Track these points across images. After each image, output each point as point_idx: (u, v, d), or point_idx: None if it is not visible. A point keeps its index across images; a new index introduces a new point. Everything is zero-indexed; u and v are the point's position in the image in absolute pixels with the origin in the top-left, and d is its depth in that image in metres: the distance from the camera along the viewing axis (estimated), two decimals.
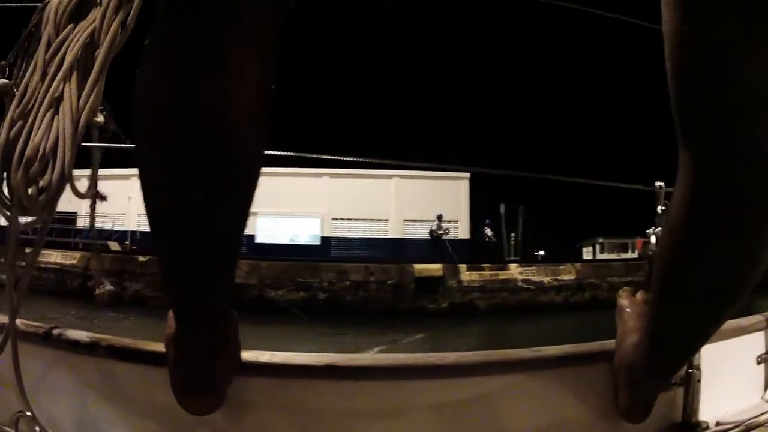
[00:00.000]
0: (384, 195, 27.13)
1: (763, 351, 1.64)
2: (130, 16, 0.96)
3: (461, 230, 27.39)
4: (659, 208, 1.45)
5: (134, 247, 23.77)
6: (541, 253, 37.30)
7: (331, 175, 26.46)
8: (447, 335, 15.57)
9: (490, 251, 26.01)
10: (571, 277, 20.99)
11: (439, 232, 25.29)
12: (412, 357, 1.23)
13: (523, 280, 20.58)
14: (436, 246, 25.13)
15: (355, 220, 26.84)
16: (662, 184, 1.48)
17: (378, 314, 18.01)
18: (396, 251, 26.04)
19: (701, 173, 0.87)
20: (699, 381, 1.33)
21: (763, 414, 1.41)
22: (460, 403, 1.22)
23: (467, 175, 27.30)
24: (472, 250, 25.84)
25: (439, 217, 25.64)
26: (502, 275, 20.58)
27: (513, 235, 26.49)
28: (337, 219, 26.85)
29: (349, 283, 19.67)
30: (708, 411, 1.39)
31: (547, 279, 20.76)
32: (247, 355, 1.13)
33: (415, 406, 1.20)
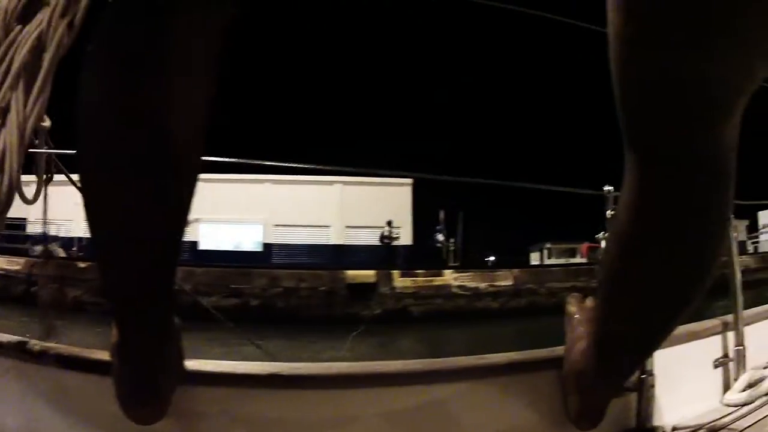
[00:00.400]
0: (327, 201, 26.78)
1: (720, 355, 1.66)
2: (78, 17, 0.87)
3: (404, 236, 26.97)
4: (608, 213, 1.48)
5: (80, 254, 23.22)
6: (492, 258, 37.15)
7: (274, 182, 26.06)
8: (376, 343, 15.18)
9: (441, 257, 25.93)
10: (508, 282, 20.68)
11: (391, 237, 25.28)
12: (355, 365, 1.25)
13: (458, 287, 20.24)
14: (387, 252, 24.97)
15: (298, 226, 26.37)
16: (611, 188, 1.51)
17: (309, 321, 17.62)
18: (338, 258, 26.01)
19: (647, 178, 0.87)
20: (653, 386, 1.35)
21: (721, 418, 1.44)
22: (405, 411, 1.23)
23: (410, 181, 27.20)
24: (422, 256, 25.81)
25: (389, 223, 25.61)
26: (437, 281, 20.23)
27: (452, 240, 26.15)
28: (279, 225, 26.36)
29: (281, 289, 19.24)
30: (665, 415, 1.41)
31: (483, 285, 20.44)
32: (191, 364, 1.13)
33: (359, 414, 1.20)
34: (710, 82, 0.75)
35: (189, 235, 23.13)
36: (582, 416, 1.22)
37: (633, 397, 1.37)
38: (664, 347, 1.37)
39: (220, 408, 1.15)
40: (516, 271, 21.22)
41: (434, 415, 1.24)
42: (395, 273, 20.15)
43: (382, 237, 26.21)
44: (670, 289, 0.95)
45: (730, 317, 1.71)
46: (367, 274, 20.04)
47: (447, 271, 20.68)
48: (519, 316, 19.20)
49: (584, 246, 35.38)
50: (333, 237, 26.91)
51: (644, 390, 1.35)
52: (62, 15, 0.86)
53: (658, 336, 1.11)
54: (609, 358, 1.12)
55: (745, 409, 1.47)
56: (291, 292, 19.25)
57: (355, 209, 26.78)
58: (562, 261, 33.20)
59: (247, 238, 25.99)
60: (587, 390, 1.18)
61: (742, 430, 1.36)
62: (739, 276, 1.78)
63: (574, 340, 1.24)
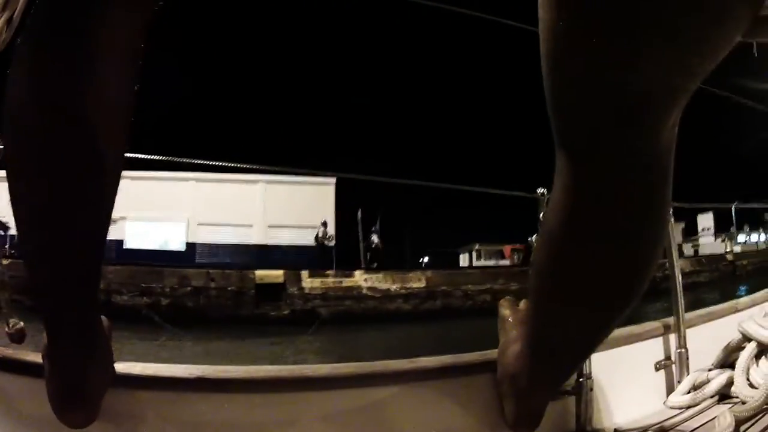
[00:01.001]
0: (250, 200, 26.52)
1: (661, 357, 1.67)
2: (16, 13, 0.90)
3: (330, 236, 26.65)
4: (542, 215, 1.42)
5: (13, 251, 22.71)
6: (426, 259, 37.15)
7: (198, 180, 25.71)
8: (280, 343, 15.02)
9: (377, 257, 25.79)
10: (421, 285, 20.65)
11: (326, 237, 25.37)
12: (284, 369, 1.30)
13: (369, 288, 20.15)
14: (321, 252, 24.96)
15: (221, 225, 26.06)
16: (544, 190, 1.47)
17: (218, 321, 17.40)
18: (261, 257, 25.58)
19: (579, 178, 0.83)
20: (591, 389, 1.36)
21: (664, 420, 1.42)
22: (335, 415, 1.22)
23: (333, 180, 27.06)
24: (357, 257, 25.58)
25: (324, 224, 25.65)
26: (346, 282, 20.14)
27: (372, 240, 26.07)
28: (202, 224, 26.03)
29: (191, 288, 19.01)
30: (607, 418, 1.42)
31: (394, 287, 20.36)
32: (119, 367, 1.11)
33: (291, 418, 1.19)
34: (644, 80, 0.72)
35: (115, 234, 23.13)
36: (519, 420, 1.20)
37: (572, 400, 1.37)
38: (604, 350, 1.43)
39: (149, 411, 1.14)
40: (429, 272, 21.21)
41: (368, 419, 1.23)
42: (304, 273, 20.02)
43: (317, 237, 26.24)
44: (603, 291, 0.92)
45: (671, 319, 1.71)
46: (276, 275, 19.90)
47: (357, 272, 20.57)
48: (432, 318, 19.22)
49: (507, 248, 35.56)
50: (256, 236, 26.52)
51: (583, 393, 1.35)
52: (2, 11, 0.89)
53: (593, 339, 1.07)
54: (543, 362, 1.09)
55: (689, 411, 1.46)
56: (200, 292, 19.04)
57: (278, 208, 26.51)
58: (491, 263, 33.25)
59: (172, 237, 25.57)
60: (522, 393, 1.16)
61: None
62: (679, 278, 1.77)
63: (507, 344, 1.23)
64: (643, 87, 0.72)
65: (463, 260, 37.45)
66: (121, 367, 1.12)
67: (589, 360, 1.35)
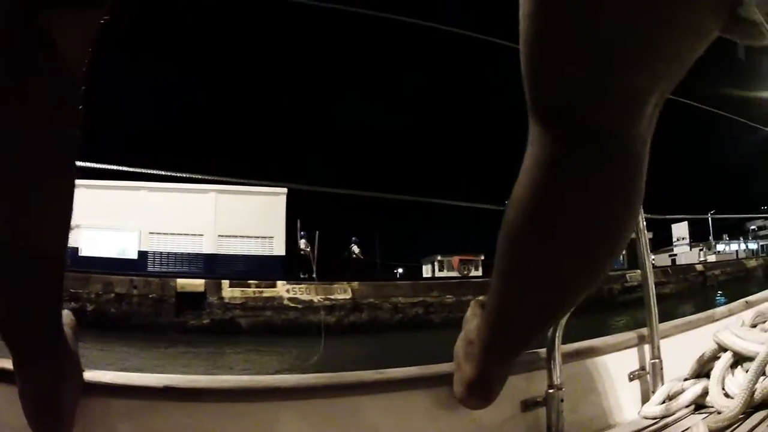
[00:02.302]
0: (202, 210, 26.52)
1: (636, 367, 1.69)
2: None
3: (276, 246, 26.85)
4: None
5: None
6: (400, 270, 36.79)
7: (150, 189, 25.78)
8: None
9: (358, 268, 26.06)
10: (346, 296, 20.30)
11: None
12: (251, 379, 1.28)
13: (290, 299, 19.88)
14: (302, 263, 25.06)
15: (172, 234, 26.11)
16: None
17: (140, 328, 17.49)
18: (211, 266, 25.80)
19: (550, 148, 0.82)
20: (562, 400, 1.37)
21: (639, 430, 1.43)
22: (304, 425, 1.23)
23: (284, 190, 26.92)
24: (337, 268, 25.88)
25: (304, 235, 25.88)
26: (267, 293, 19.88)
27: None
28: (154, 233, 26.12)
29: (114, 295, 18.97)
30: (578, 428, 1.43)
31: (317, 298, 20.03)
32: (89, 375, 1.12)
33: (258, 428, 1.21)
34: (617, 79, 0.74)
35: (71, 242, 23.23)
36: (471, 390, 1.21)
37: (543, 411, 1.38)
38: (578, 360, 1.50)
39: (120, 420, 1.14)
40: (356, 284, 20.84)
41: (336, 429, 1.25)
42: (225, 283, 19.86)
43: (348, 253, 26.90)
44: (563, 273, 0.92)
45: (645, 330, 1.73)
46: (196, 284, 19.81)
47: (280, 283, 20.31)
48: (357, 331, 18.92)
49: (455, 259, 34.95)
50: (206, 246, 26.50)
51: (552, 404, 1.36)
52: None
53: (548, 317, 1.12)
54: (498, 333, 1.10)
55: (663, 421, 1.46)
56: (123, 299, 19.00)
57: (229, 218, 26.51)
58: (453, 273, 32.67)
59: (125, 246, 25.69)
60: (476, 361, 1.17)
61: None
62: (653, 289, 1.79)
63: (471, 317, 1.27)
64: (616, 86, 0.74)
65: (426, 271, 36.95)
66: (91, 375, 1.12)
67: (558, 370, 1.36)
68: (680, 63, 0.75)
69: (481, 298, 1.33)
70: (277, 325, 19.26)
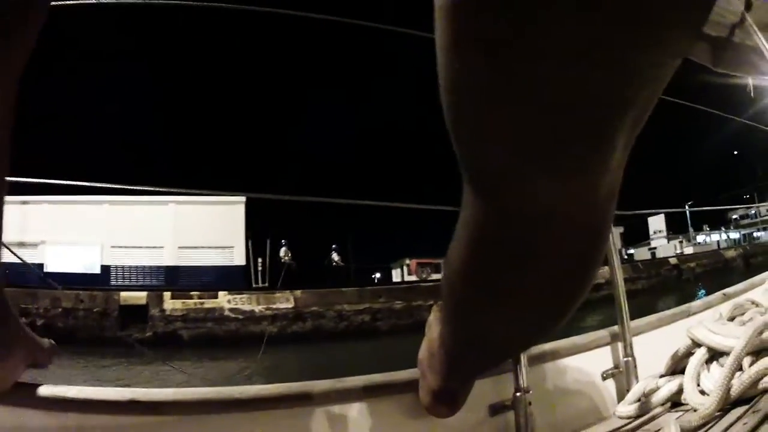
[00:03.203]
0: (162, 221, 26.70)
1: (609, 366, 1.67)
2: None
3: (237, 256, 26.90)
4: None
5: None
6: (378, 275, 36.66)
7: (111, 203, 26.04)
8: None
9: (338, 276, 26.22)
10: (288, 305, 20.35)
11: (337, 261, 26.42)
12: (213, 391, 1.23)
13: (231, 309, 19.98)
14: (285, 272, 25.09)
15: (134, 247, 26.30)
16: None
17: (86, 343, 17.31)
18: (172, 278, 25.93)
19: (486, 222, 0.71)
20: (530, 403, 1.35)
21: (613, 430, 1.41)
22: None
23: (243, 199, 26.96)
24: (318, 276, 26.20)
25: (334, 249, 26.88)
26: (208, 304, 20.00)
27: (260, 260, 26.02)
28: (116, 247, 26.33)
29: (61, 310, 19.17)
30: (554, 429, 1.43)
31: (258, 308, 20.12)
32: (53, 390, 1.13)
33: None
34: (569, 155, 0.61)
35: (35, 258, 23.67)
36: (436, 399, 1.20)
37: (511, 414, 1.37)
38: (549, 361, 1.47)
39: None
40: (299, 292, 20.88)
41: None
42: (166, 295, 19.98)
43: (329, 261, 27.02)
44: (513, 330, 0.88)
45: (617, 328, 1.71)
46: (138, 296, 19.94)
47: (222, 293, 20.40)
48: (300, 341, 18.93)
49: (413, 263, 34.68)
50: (167, 257, 26.68)
51: (520, 407, 1.35)
52: None
53: (513, 352, 1.16)
54: (457, 358, 1.08)
55: (638, 420, 1.44)
56: (69, 313, 19.19)
57: (189, 229, 26.64)
58: (423, 276, 32.52)
59: (87, 260, 25.87)
60: (440, 371, 1.14)
61: None
62: (622, 286, 1.77)
63: (429, 342, 1.20)
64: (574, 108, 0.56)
65: (396, 275, 36.74)
66: (55, 390, 1.14)
67: (524, 374, 1.35)
68: (643, 108, 0.60)
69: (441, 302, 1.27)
70: (219, 337, 19.34)
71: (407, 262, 36.64)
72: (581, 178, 0.63)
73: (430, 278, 31.34)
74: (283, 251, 25.33)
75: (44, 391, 1.14)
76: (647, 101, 0.59)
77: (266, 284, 24.52)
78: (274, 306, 20.25)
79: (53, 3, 0.76)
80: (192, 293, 20.37)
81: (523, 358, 1.37)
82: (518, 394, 1.35)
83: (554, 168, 0.62)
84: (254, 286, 24.09)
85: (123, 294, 19.86)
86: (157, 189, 4.48)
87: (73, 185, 3.80)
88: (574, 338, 1.64)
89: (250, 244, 26.61)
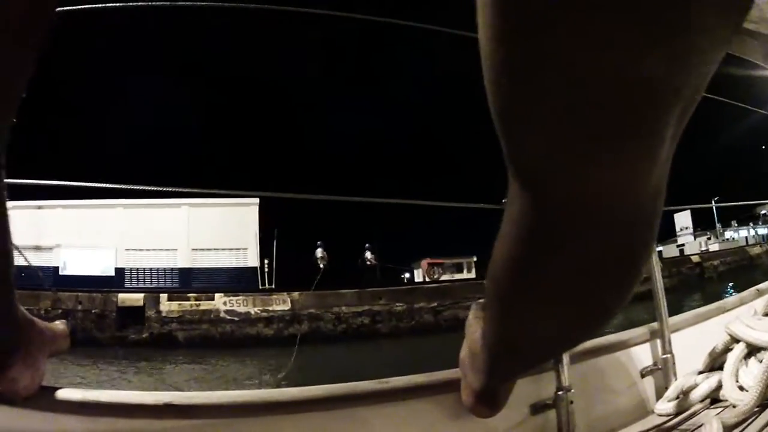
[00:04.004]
0: (175, 224, 26.92)
1: (647, 363, 1.67)
2: None
3: (251, 257, 26.79)
4: None
5: None
6: (407, 275, 36.08)
7: (125, 206, 26.32)
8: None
9: (373, 276, 26.05)
10: (285, 307, 20.04)
11: (371, 260, 26.18)
12: (250, 393, 1.22)
13: (227, 311, 19.79)
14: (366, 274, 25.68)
15: (147, 250, 26.47)
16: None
17: (84, 343, 17.50)
18: (185, 280, 26.20)
19: (533, 219, 0.71)
20: (571, 402, 1.35)
21: (653, 428, 1.42)
22: None
23: (256, 200, 27.01)
24: (354, 277, 25.73)
25: (368, 248, 26.68)
26: (204, 305, 19.86)
27: (267, 261, 25.79)
28: (130, 250, 26.60)
29: (61, 311, 19.32)
30: (591, 429, 1.42)
31: (254, 310, 19.86)
32: (85, 395, 1.14)
33: None
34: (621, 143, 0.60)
35: (51, 261, 24.16)
36: (479, 399, 1.19)
37: (552, 413, 1.38)
38: (588, 359, 1.48)
39: None
40: (296, 294, 20.52)
41: None
42: (163, 297, 19.93)
43: (362, 260, 26.80)
44: (560, 329, 0.88)
45: (655, 325, 1.72)
46: (135, 298, 19.93)
47: (218, 295, 20.22)
48: (295, 344, 18.63)
49: (424, 262, 33.87)
50: (180, 260, 26.79)
51: (562, 406, 1.35)
52: None
53: (557, 353, 1.19)
54: (500, 358, 1.07)
55: (678, 418, 1.45)
56: (68, 314, 19.30)
57: (202, 231, 26.75)
58: (446, 277, 31.79)
59: (102, 263, 26.18)
60: (482, 372, 1.14)
61: None
62: (661, 283, 1.76)
63: (470, 325, 1.21)
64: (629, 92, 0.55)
65: (418, 276, 35.65)
66: (90, 395, 1.14)
67: (566, 372, 1.35)
68: (692, 97, 0.59)
69: (481, 300, 1.26)
70: (214, 339, 19.18)
71: (428, 261, 35.68)
72: (631, 169, 0.62)
73: (441, 279, 30.67)
74: (319, 251, 24.72)
75: (74, 395, 1.13)
76: (694, 91, 0.58)
77: (272, 286, 24.31)
78: (270, 308, 19.94)
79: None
80: (189, 295, 20.28)
81: (565, 357, 1.36)
82: (560, 392, 1.34)
83: (603, 159, 0.61)
84: (260, 287, 23.83)
85: (121, 296, 19.91)
86: (176, 189, 4.35)
87: (89, 187, 3.74)
88: (613, 335, 1.62)
89: (268, 244, 26.53)
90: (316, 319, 20.10)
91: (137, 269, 26.67)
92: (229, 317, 19.76)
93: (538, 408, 1.38)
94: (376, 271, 27.09)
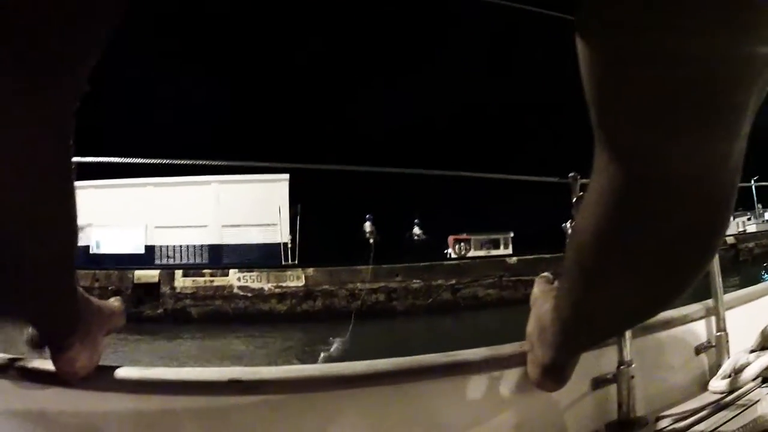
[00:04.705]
0: (204, 201, 27.02)
1: (702, 341, 1.69)
2: None
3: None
4: (574, 200, 1.45)
5: None
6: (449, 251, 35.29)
7: (155, 185, 26.52)
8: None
9: (424, 250, 25.71)
10: (299, 284, 19.84)
11: (418, 234, 26.31)
12: (317, 368, 1.24)
13: (240, 287, 19.70)
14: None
15: (177, 227, 26.61)
16: (577, 174, 1.48)
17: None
18: (216, 257, 26.09)
19: (623, 185, 0.74)
20: (633, 377, 1.36)
21: (707, 405, 1.42)
22: (372, 413, 1.23)
23: (286, 176, 26.99)
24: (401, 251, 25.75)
25: (416, 222, 27.04)
26: (218, 282, 19.80)
27: (290, 237, 25.76)
28: (160, 227, 26.77)
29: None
30: (648, 405, 1.41)
31: (268, 286, 19.70)
32: (146, 373, 1.15)
33: (325, 418, 1.21)
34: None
35: (82, 241, 24.52)
36: (546, 373, 1.20)
37: (613, 388, 1.38)
38: (644, 335, 1.49)
39: (188, 418, 1.15)
40: (310, 270, 20.26)
41: (405, 415, 1.24)
42: (178, 273, 19.96)
43: (410, 235, 27.03)
44: (630, 307, 0.92)
45: (710, 302, 1.74)
46: (151, 275, 20.02)
47: (232, 271, 20.11)
48: (309, 320, 18.44)
49: (450, 238, 32.92)
50: (210, 236, 26.87)
51: (623, 381, 1.36)
52: None
53: (633, 324, 1.22)
54: (567, 337, 1.10)
55: (731, 396, 1.47)
56: (86, 291, 19.53)
57: (232, 208, 26.71)
58: (481, 253, 31.07)
59: (132, 241, 26.43)
60: (552, 346, 1.15)
61: (729, 419, 1.33)
62: (717, 259, 1.74)
63: (537, 299, 1.25)
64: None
65: (456, 251, 34.21)
66: (155, 372, 1.14)
67: (628, 347, 1.36)
68: None
69: (546, 274, 1.34)
70: (228, 314, 19.10)
71: (464, 236, 34.92)
72: (715, 143, 0.66)
73: (468, 255, 29.90)
74: (368, 225, 24.36)
75: (132, 373, 1.12)
76: None
77: (296, 261, 24.08)
78: (284, 284, 19.72)
79: None
80: (204, 271, 20.19)
81: (628, 331, 1.34)
82: (621, 367, 1.34)
83: (690, 133, 0.64)
84: (283, 263, 23.64)
85: (137, 272, 20.00)
86: (201, 163, 4.10)
87: (120, 163, 3.66)
88: (669, 311, 1.58)
89: (297, 219, 26.47)
90: (329, 296, 19.80)
91: (167, 246, 26.84)
92: (242, 293, 19.64)
93: (599, 382, 1.37)
94: (424, 246, 26.64)
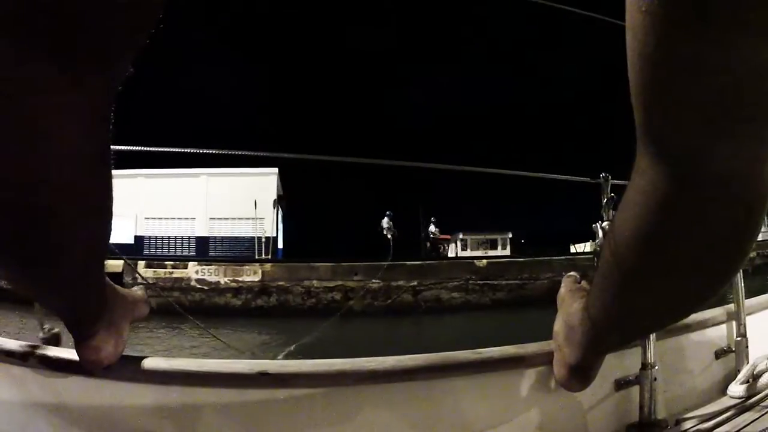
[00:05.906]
0: (194, 193, 27.29)
1: (722, 345, 1.70)
2: None
3: (269, 227, 26.74)
4: (604, 200, 1.45)
5: None
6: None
7: (146, 176, 26.86)
8: None
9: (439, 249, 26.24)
10: (254, 278, 19.72)
11: (388, 229, 25.45)
12: (347, 362, 1.20)
13: (198, 280, 19.71)
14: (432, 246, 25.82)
15: (166, 218, 27.02)
16: (608, 174, 1.50)
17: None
18: (203, 249, 26.56)
19: (665, 189, 0.73)
20: (655, 379, 1.36)
21: (725, 409, 1.43)
22: (399, 408, 1.23)
23: (275, 170, 27.18)
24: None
25: (433, 221, 27.18)
26: (177, 273, 19.83)
27: (265, 232, 25.86)
28: (149, 218, 27.23)
29: None
30: (667, 408, 1.40)
31: (224, 280, 19.67)
32: (173, 364, 1.15)
33: (351, 412, 1.20)
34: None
35: None
36: (572, 373, 1.19)
37: (635, 390, 1.37)
38: (666, 338, 1.48)
39: (210, 407, 1.16)
40: (267, 266, 20.14)
41: (432, 411, 1.24)
42: (141, 263, 20.04)
43: (427, 234, 27.07)
44: (672, 301, 0.90)
45: (731, 306, 1.71)
46: (115, 264, 20.06)
47: (192, 263, 20.14)
48: (264, 315, 18.35)
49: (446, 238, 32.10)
50: (198, 228, 27.17)
51: (645, 383, 1.34)
52: None
53: (663, 326, 1.25)
54: (594, 340, 1.10)
55: (750, 401, 1.45)
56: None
57: (220, 200, 26.96)
58: (478, 253, 30.44)
59: (122, 231, 26.69)
60: (580, 346, 1.14)
61: (749, 423, 1.32)
62: None
63: (564, 299, 1.25)
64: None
65: (451, 251, 33.73)
66: (180, 363, 1.15)
67: (652, 349, 1.35)
68: None
69: (572, 273, 1.36)
70: (184, 307, 19.11)
71: (461, 236, 34.41)
72: (758, 145, 0.68)
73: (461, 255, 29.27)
74: (385, 222, 24.31)
75: (158, 363, 1.14)
76: None
77: (269, 256, 24.05)
78: (240, 278, 19.64)
79: None
80: (166, 263, 20.28)
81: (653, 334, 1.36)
82: (645, 369, 1.34)
83: (736, 135, 0.66)
84: (257, 257, 23.61)
85: (108, 263, 20.14)
86: (192, 151, 4.09)
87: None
88: (693, 314, 1.57)
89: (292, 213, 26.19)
90: (284, 292, 19.65)
91: (156, 237, 27.26)
92: (199, 286, 19.67)
93: (621, 384, 1.38)
94: (440, 245, 26.27)
